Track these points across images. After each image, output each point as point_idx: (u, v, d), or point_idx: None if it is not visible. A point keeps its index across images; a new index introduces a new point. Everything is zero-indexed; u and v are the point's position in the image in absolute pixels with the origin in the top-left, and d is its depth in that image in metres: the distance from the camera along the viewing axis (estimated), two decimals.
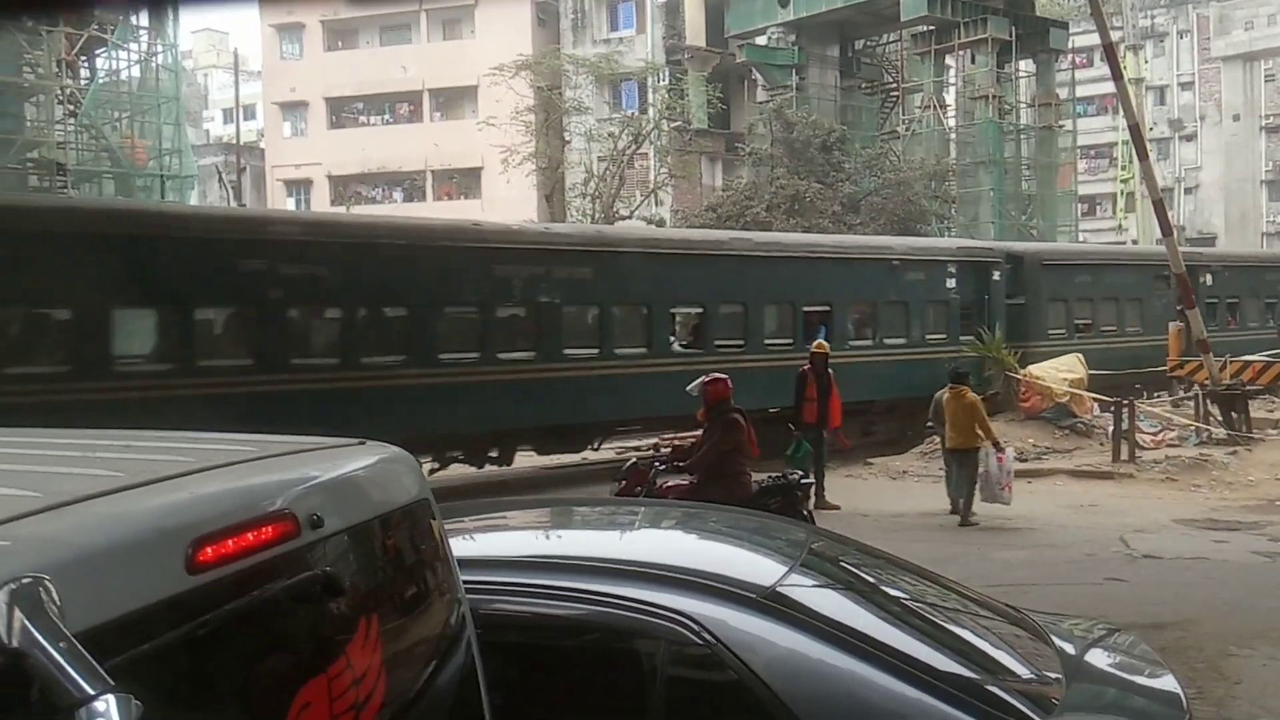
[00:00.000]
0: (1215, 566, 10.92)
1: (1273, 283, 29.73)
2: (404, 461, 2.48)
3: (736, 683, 3.05)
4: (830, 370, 15.13)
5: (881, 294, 20.12)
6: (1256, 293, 28.80)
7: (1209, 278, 26.03)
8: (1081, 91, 49.80)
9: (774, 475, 10.39)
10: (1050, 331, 22.99)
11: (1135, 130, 21.42)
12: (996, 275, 21.58)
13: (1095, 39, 29.03)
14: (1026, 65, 41.93)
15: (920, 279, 20.52)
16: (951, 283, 20.85)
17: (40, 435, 2.48)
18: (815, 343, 15.92)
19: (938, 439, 18.05)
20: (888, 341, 20.05)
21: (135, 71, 29.92)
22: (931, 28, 39.41)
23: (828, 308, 19.31)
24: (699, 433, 10.68)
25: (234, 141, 48.61)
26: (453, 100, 51.88)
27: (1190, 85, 61.43)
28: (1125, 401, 18.19)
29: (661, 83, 42.44)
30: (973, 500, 13.46)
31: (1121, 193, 60.36)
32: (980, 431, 13.45)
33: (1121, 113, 28.56)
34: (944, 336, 20.33)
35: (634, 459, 11.59)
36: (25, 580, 1.39)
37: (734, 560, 3.98)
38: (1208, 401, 19.58)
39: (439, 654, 2.41)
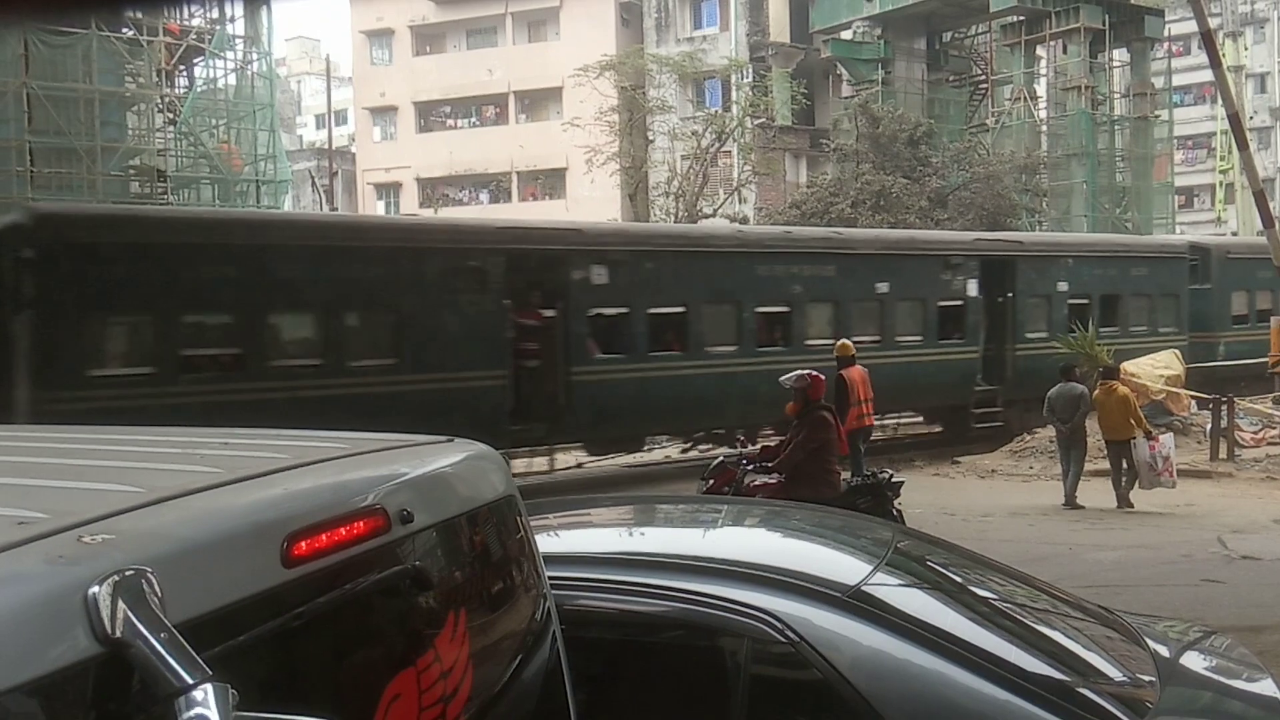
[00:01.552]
0: None
1: None
2: (491, 459, 2.52)
3: (820, 681, 3.03)
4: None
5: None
6: None
7: None
8: (1178, 80, 48.47)
9: (863, 474, 10.31)
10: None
11: (1235, 119, 20.78)
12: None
13: (1192, 26, 28.24)
14: (1120, 54, 40.93)
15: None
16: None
17: (143, 433, 2.56)
18: (840, 343, 15.37)
19: (1028, 436, 17.91)
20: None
21: (231, 79, 30.66)
22: (1021, 18, 38.67)
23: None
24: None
25: (326, 146, 49.52)
26: (538, 102, 52.27)
27: None
28: (1224, 398, 17.70)
29: (745, 80, 42.27)
30: (1131, 487, 14.14)
31: (1221, 184, 58.70)
32: (1133, 422, 14.12)
33: (1220, 101, 27.80)
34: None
35: (721, 458, 11.55)
36: (129, 572, 1.44)
37: (818, 558, 3.96)
38: None
39: (525, 649, 2.44)
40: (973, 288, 20.33)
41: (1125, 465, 14.39)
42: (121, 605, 1.40)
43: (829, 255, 19.22)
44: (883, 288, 19.31)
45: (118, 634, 1.39)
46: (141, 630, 1.39)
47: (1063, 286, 21.38)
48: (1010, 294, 20.74)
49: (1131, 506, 14.07)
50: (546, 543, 3.00)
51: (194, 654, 1.40)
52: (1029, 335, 20.82)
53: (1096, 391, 14.67)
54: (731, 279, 17.89)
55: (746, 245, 19.10)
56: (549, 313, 16.19)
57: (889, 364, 18.36)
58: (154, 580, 1.46)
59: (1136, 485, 14.24)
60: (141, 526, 1.61)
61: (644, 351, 16.95)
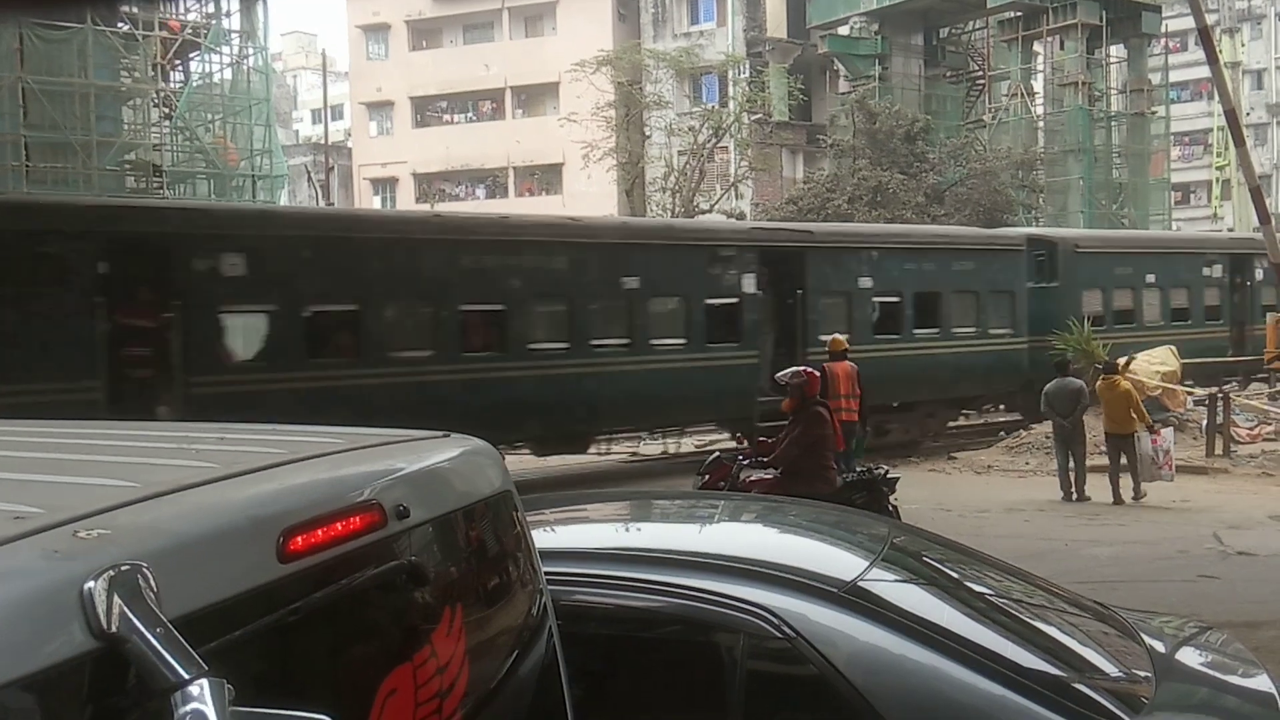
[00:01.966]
0: None
1: None
2: (487, 454, 2.51)
3: (816, 677, 3.04)
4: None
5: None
6: None
7: None
8: (1175, 76, 48.46)
9: (860, 470, 10.31)
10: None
11: (1231, 116, 20.78)
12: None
13: (1189, 22, 28.21)
14: (1117, 50, 40.97)
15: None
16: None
17: (139, 428, 2.56)
18: (832, 338, 15.13)
19: (1023, 432, 17.97)
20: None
21: (227, 74, 30.59)
22: (1019, 13, 38.72)
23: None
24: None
25: (322, 141, 49.50)
26: (534, 97, 52.24)
27: None
28: (1220, 394, 17.74)
29: (742, 75, 42.28)
30: (1138, 481, 14.34)
31: (1217, 180, 58.73)
32: (1135, 416, 14.31)
33: (1217, 98, 27.75)
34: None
35: (717, 453, 11.55)
36: (124, 567, 1.44)
37: (815, 554, 3.96)
38: None
39: (521, 644, 2.44)
40: (749, 283, 17.92)
41: (1123, 460, 14.46)
42: (117, 600, 1.40)
43: (558, 245, 16.63)
44: (631, 283, 16.75)
45: (113, 629, 1.38)
46: (137, 625, 1.39)
47: (866, 283, 19.25)
48: (800, 291, 18.46)
49: (1145, 495, 14.29)
50: (543, 538, 3.00)
51: (190, 649, 1.40)
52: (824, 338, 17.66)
53: (1098, 385, 14.76)
54: (423, 272, 15.12)
55: (445, 232, 16.31)
56: (165, 313, 13.50)
57: (642, 372, 16.61)
58: (150, 575, 1.46)
59: (1137, 477, 14.41)
60: (137, 521, 1.60)
61: (304, 358, 14.22)
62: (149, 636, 1.39)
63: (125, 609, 1.40)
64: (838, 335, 15.16)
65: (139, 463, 2.02)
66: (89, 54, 25.62)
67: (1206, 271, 24.93)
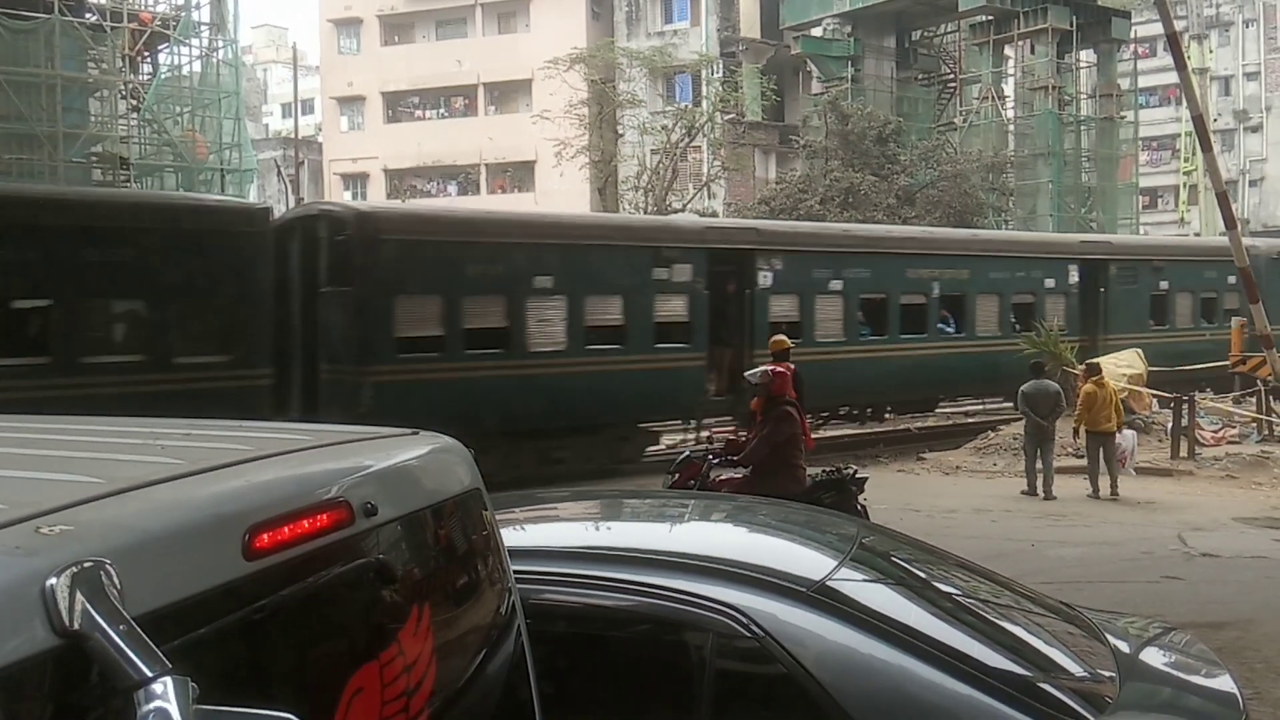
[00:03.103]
0: (1275, 566, 10.74)
1: None
2: (456, 451, 2.50)
3: (785, 676, 3.04)
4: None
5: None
6: None
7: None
8: (1144, 82, 48.92)
9: (828, 469, 10.33)
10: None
11: (1199, 121, 20.95)
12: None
13: (1158, 28, 28.51)
14: (1087, 55, 41.30)
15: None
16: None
17: (104, 423, 2.54)
18: (774, 338, 14.74)
19: (991, 433, 18.11)
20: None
21: (197, 67, 30.34)
22: (990, 17, 38.95)
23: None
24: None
25: (293, 136, 49.16)
26: (507, 94, 52.12)
27: (1256, 75, 60.05)
28: (1185, 397, 17.93)
29: (715, 75, 42.36)
30: (1115, 478, 14.91)
31: (1184, 185, 59.31)
32: (1116, 415, 15.09)
33: (1185, 103, 28.00)
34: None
35: (687, 452, 11.55)
36: (87, 564, 1.42)
37: (784, 554, 3.97)
38: (1270, 398, 19.21)
39: (489, 643, 2.44)
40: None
41: (1102, 457, 15.02)
42: (80, 597, 1.38)
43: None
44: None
45: (76, 626, 1.37)
46: (100, 622, 1.38)
47: (836, 285, 19.41)
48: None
49: (1118, 494, 14.84)
50: (512, 536, 2.99)
51: (153, 647, 1.38)
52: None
53: (1088, 385, 15.22)
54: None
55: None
56: None
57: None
58: (113, 572, 1.44)
59: (1115, 475, 15.03)
60: (101, 517, 1.59)
61: None
62: (112, 634, 1.37)
63: (88, 606, 1.38)
64: (780, 335, 15.03)
65: (104, 458, 2.00)
66: (56, 44, 25.36)
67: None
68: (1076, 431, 15.50)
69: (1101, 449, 15.05)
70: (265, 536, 1.73)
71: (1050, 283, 22.48)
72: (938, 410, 23.66)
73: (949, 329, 21.20)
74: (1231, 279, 22.23)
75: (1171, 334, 24.22)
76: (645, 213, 35.54)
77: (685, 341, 17.51)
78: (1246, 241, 24.75)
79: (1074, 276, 22.83)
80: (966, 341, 21.20)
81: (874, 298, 19.99)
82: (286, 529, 1.78)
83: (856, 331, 19.68)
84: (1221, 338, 22.65)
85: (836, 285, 19.30)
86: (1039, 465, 15.06)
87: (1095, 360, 16.73)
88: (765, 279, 18.49)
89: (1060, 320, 21.64)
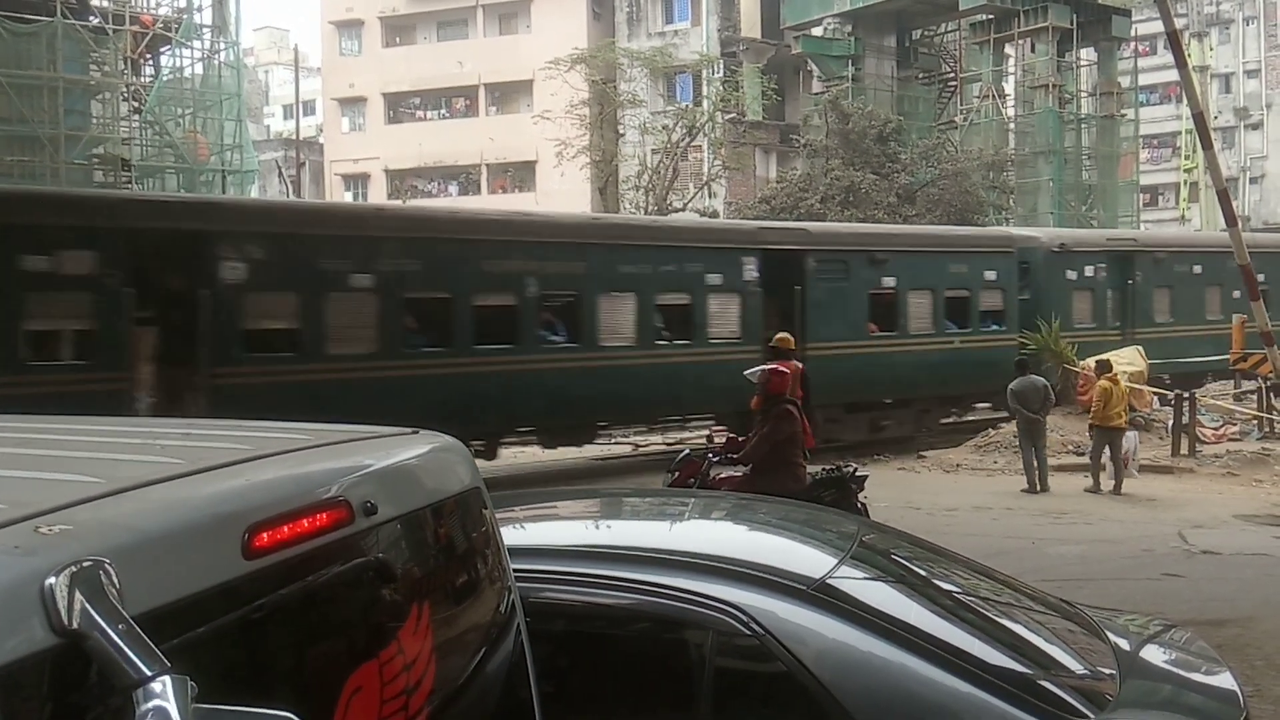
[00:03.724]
0: (1276, 563, 10.72)
1: None
2: (457, 450, 2.51)
3: (785, 674, 3.05)
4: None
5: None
6: None
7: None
8: (1144, 80, 48.90)
9: (828, 468, 10.33)
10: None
11: (1199, 119, 20.94)
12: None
13: (1158, 26, 28.48)
14: (1088, 53, 41.31)
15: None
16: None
17: (104, 423, 2.54)
18: (779, 335, 14.36)
19: (991, 431, 18.13)
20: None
21: (198, 69, 30.41)
22: (990, 16, 38.95)
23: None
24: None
25: (294, 137, 49.19)
26: (508, 95, 52.15)
27: (1256, 73, 60.05)
28: (1186, 395, 17.94)
29: (716, 75, 42.36)
30: (1120, 476, 14.96)
31: (1185, 183, 59.30)
32: (1123, 412, 15.20)
33: (1185, 101, 27.97)
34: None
35: (687, 450, 11.55)
36: (86, 563, 1.42)
37: (784, 552, 3.97)
38: (1271, 395, 19.21)
39: (489, 641, 2.44)
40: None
41: (1105, 456, 15.14)
42: (79, 596, 1.39)
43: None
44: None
45: (75, 625, 1.37)
46: (99, 622, 1.38)
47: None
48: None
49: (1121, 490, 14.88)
50: (512, 535, 3.00)
51: (152, 646, 1.38)
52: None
53: (1102, 382, 15.30)
54: None
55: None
56: None
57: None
58: (112, 571, 1.44)
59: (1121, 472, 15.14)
60: (100, 517, 1.59)
61: None
62: (111, 633, 1.38)
63: (87, 605, 1.38)
64: (784, 334, 14.83)
65: (103, 458, 2.01)
66: (58, 47, 25.41)
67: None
68: (1092, 429, 15.58)
69: (1110, 445, 15.18)
70: (264, 536, 1.73)
71: (715, 279, 17.89)
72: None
73: (556, 337, 16.57)
74: (991, 274, 20.97)
75: (901, 342, 19.73)
76: (646, 213, 35.54)
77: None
78: (1029, 232, 24.33)
79: (750, 271, 18.14)
80: (585, 354, 16.52)
81: (429, 297, 15.42)
82: (286, 528, 1.79)
83: (393, 341, 15.00)
84: (990, 345, 20.24)
85: (365, 280, 14.83)
86: (1035, 461, 15.25)
87: (1106, 357, 16.84)
88: None
89: (733, 326, 17.89)
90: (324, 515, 1.89)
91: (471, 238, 16.13)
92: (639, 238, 18.34)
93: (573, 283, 16.63)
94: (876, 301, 19.57)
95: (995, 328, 20.92)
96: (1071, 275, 22.55)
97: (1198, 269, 24.56)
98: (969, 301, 20.72)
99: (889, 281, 19.69)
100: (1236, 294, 24.18)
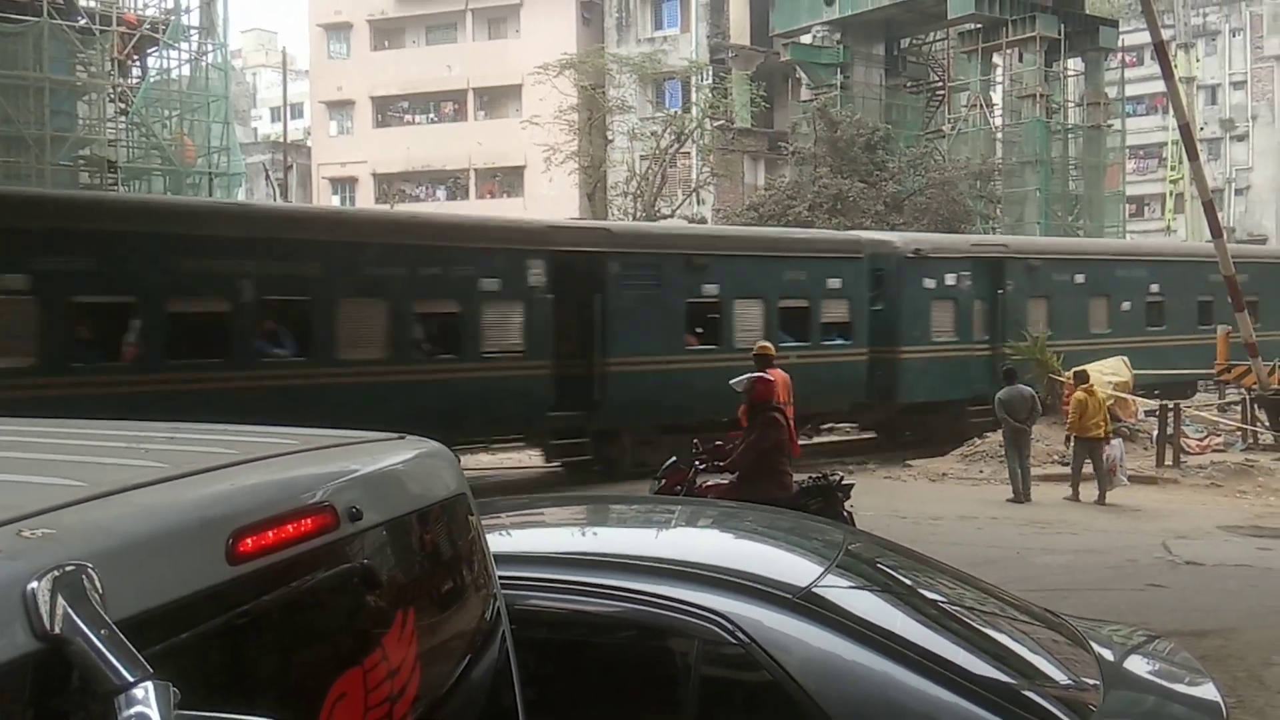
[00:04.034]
0: (1259, 574, 10.77)
1: None
2: (443, 456, 2.50)
3: (770, 683, 3.04)
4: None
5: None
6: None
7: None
8: (1131, 90, 49.18)
9: (814, 476, 10.35)
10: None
11: (1186, 130, 21.10)
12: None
13: (1145, 37, 28.67)
14: (1075, 64, 41.47)
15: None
16: None
17: (88, 426, 2.53)
18: (759, 344, 14.17)
19: (978, 440, 18.20)
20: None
21: (185, 70, 30.33)
22: (978, 26, 39.10)
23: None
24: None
25: (281, 140, 49.11)
26: (497, 99, 52.14)
27: (1242, 84, 60.48)
28: (1171, 405, 18.01)
29: (705, 81, 42.42)
30: (1104, 486, 15.06)
31: (1171, 193, 59.60)
32: (1103, 422, 15.21)
33: (1172, 112, 28.12)
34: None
35: (674, 458, 11.57)
36: (69, 568, 1.42)
37: (769, 560, 3.97)
38: (1255, 406, 19.30)
39: (474, 649, 2.43)
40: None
41: (1086, 467, 15.26)
42: (61, 601, 1.38)
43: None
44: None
45: (57, 630, 1.36)
46: (81, 627, 1.37)
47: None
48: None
49: (1105, 501, 14.94)
50: (498, 542, 2.98)
51: (135, 651, 1.38)
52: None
53: (1078, 393, 15.43)
54: None
55: None
56: None
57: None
58: (95, 576, 1.44)
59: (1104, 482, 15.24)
60: (83, 521, 1.58)
61: None
62: (93, 638, 1.37)
63: (69, 610, 1.38)
64: (763, 343, 14.66)
65: (87, 461, 1.99)
66: (45, 48, 25.31)
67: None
68: (1068, 439, 15.77)
69: (1090, 455, 15.28)
70: (249, 541, 1.73)
71: (492, 284, 15.90)
72: None
73: (279, 350, 14.53)
74: (835, 282, 19.13)
75: (725, 357, 17.23)
76: (634, 218, 35.56)
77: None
78: (882, 236, 22.06)
79: (538, 276, 16.16)
80: (313, 370, 14.43)
81: (102, 302, 13.35)
82: (271, 533, 1.78)
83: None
84: (834, 360, 18.82)
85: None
86: (1020, 470, 15.39)
87: (1083, 368, 16.88)
88: None
89: (515, 339, 16.01)
90: (309, 520, 1.88)
91: (158, 230, 13.87)
92: (394, 235, 15.94)
93: (308, 286, 14.53)
94: (696, 311, 17.80)
95: (841, 341, 19.27)
96: (930, 284, 20.59)
97: (1080, 278, 23.03)
98: (809, 312, 18.98)
99: (711, 289, 17.86)
100: (1126, 305, 23.65)
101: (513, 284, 15.94)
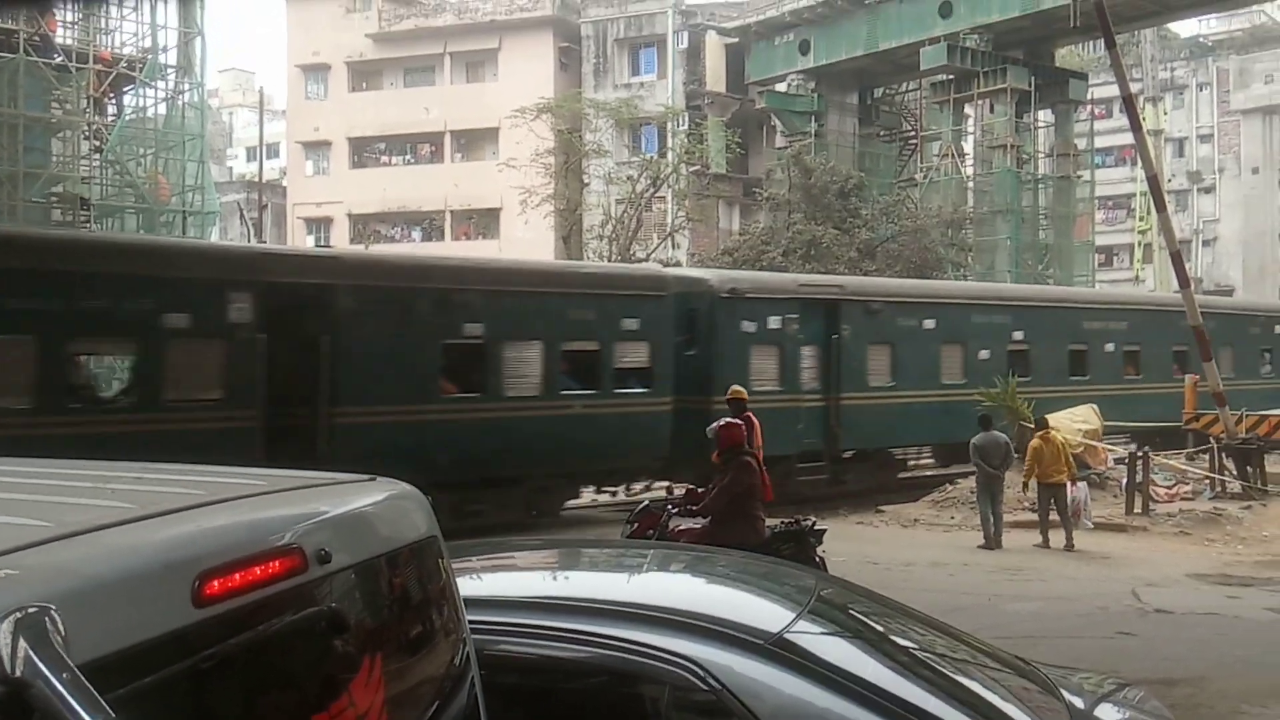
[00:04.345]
0: (1228, 623, 10.80)
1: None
2: (414, 499, 2.48)
3: None
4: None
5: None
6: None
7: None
8: (1100, 142, 49.87)
9: (786, 520, 10.34)
10: None
11: (1154, 182, 21.42)
12: None
13: (1114, 90, 29.07)
14: (1045, 115, 42.07)
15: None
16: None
17: (54, 465, 2.50)
18: (732, 388, 14.21)
19: (949, 486, 18.24)
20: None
21: (162, 109, 30.24)
22: (950, 77, 39.64)
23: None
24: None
25: (257, 179, 49.05)
26: (474, 142, 52.32)
27: (1209, 138, 61.42)
28: (1140, 453, 18.13)
29: (681, 127, 42.74)
30: (1070, 531, 15.20)
31: (1139, 244, 60.27)
32: (1066, 467, 15.43)
33: (1140, 164, 28.52)
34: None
35: (646, 501, 11.53)
36: (31, 609, 1.40)
37: (741, 605, 3.95)
38: (1223, 455, 19.45)
39: (442, 694, 2.41)
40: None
41: (1053, 508, 15.39)
42: (22, 643, 1.36)
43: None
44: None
45: (18, 673, 1.34)
46: (43, 670, 1.35)
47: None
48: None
49: (1074, 546, 15.05)
50: (468, 586, 2.96)
51: (97, 696, 1.36)
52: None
53: (1034, 441, 15.57)
54: None
55: None
56: None
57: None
58: (58, 618, 1.42)
59: (1070, 527, 15.33)
60: (46, 562, 1.56)
61: None
62: (54, 682, 1.35)
63: (30, 652, 1.36)
64: (736, 387, 14.60)
65: (52, 501, 1.97)
66: (20, 84, 25.22)
67: None
68: (1026, 485, 15.90)
69: (1054, 500, 15.42)
70: (216, 583, 1.71)
71: (180, 320, 13.59)
72: None
73: None
74: (631, 323, 17.28)
75: (487, 406, 15.93)
76: (609, 261, 35.65)
77: None
78: (694, 273, 20.11)
79: (242, 312, 13.91)
80: None
81: None
82: (238, 575, 1.76)
83: None
84: (629, 410, 16.92)
85: None
86: (992, 516, 15.38)
87: (1045, 416, 16.89)
88: None
89: (212, 385, 13.87)
90: (277, 563, 1.86)
91: None
92: (41, 258, 13.27)
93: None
94: (455, 354, 15.82)
95: (639, 390, 17.24)
96: (749, 327, 18.57)
97: (930, 324, 21.01)
98: (599, 356, 17.02)
99: (473, 329, 15.88)
100: (984, 354, 21.37)
101: (209, 320, 13.70)
